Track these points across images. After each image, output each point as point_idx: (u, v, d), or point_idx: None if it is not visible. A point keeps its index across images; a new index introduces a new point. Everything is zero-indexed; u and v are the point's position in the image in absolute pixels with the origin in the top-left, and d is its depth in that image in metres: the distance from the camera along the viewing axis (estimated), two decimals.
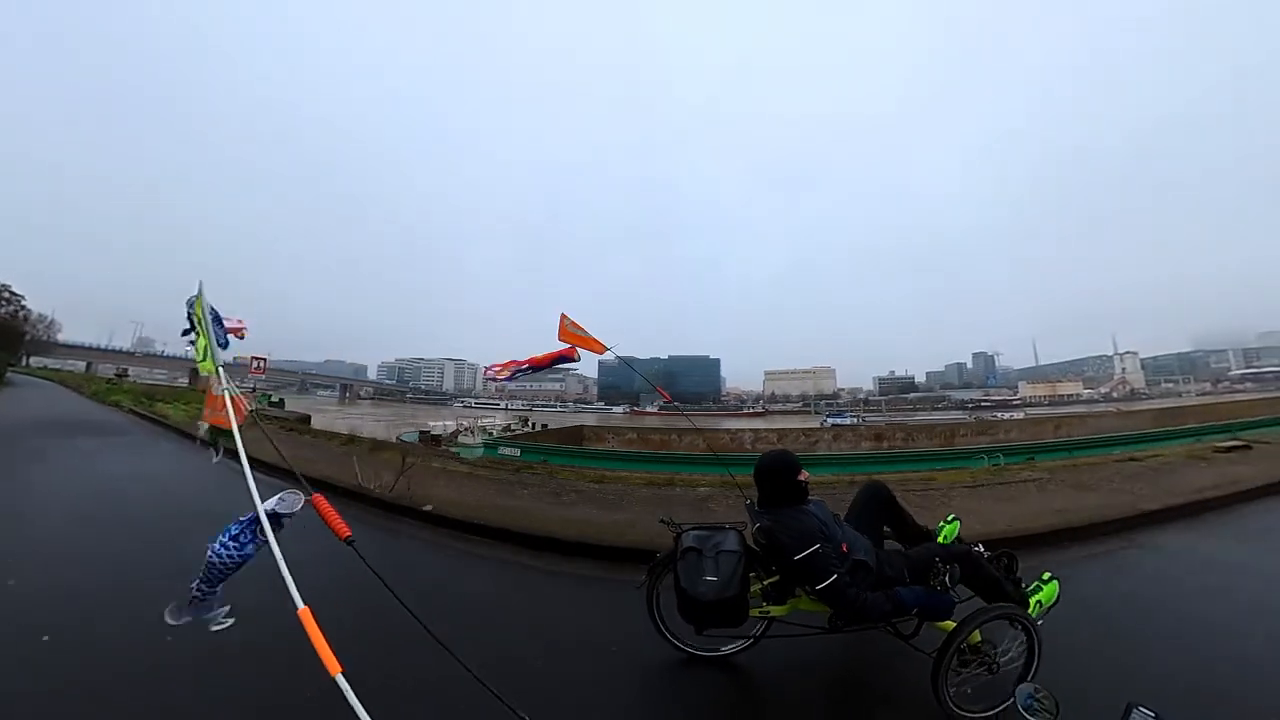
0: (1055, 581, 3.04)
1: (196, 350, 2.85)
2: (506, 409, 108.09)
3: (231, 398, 2.60)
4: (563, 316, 4.12)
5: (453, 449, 17.30)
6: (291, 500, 2.13)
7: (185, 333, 3.01)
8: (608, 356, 4.36)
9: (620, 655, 3.26)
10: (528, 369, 4.33)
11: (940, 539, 3.34)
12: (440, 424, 32.71)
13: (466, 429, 30.53)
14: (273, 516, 2.08)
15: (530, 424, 37.81)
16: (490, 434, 28.25)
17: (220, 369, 2.73)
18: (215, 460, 2.78)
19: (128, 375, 68.18)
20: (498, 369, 4.43)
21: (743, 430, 31.24)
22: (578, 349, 4.16)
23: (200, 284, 2.94)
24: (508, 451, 18.35)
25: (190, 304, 2.94)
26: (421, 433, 26.15)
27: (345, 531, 1.96)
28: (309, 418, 24.83)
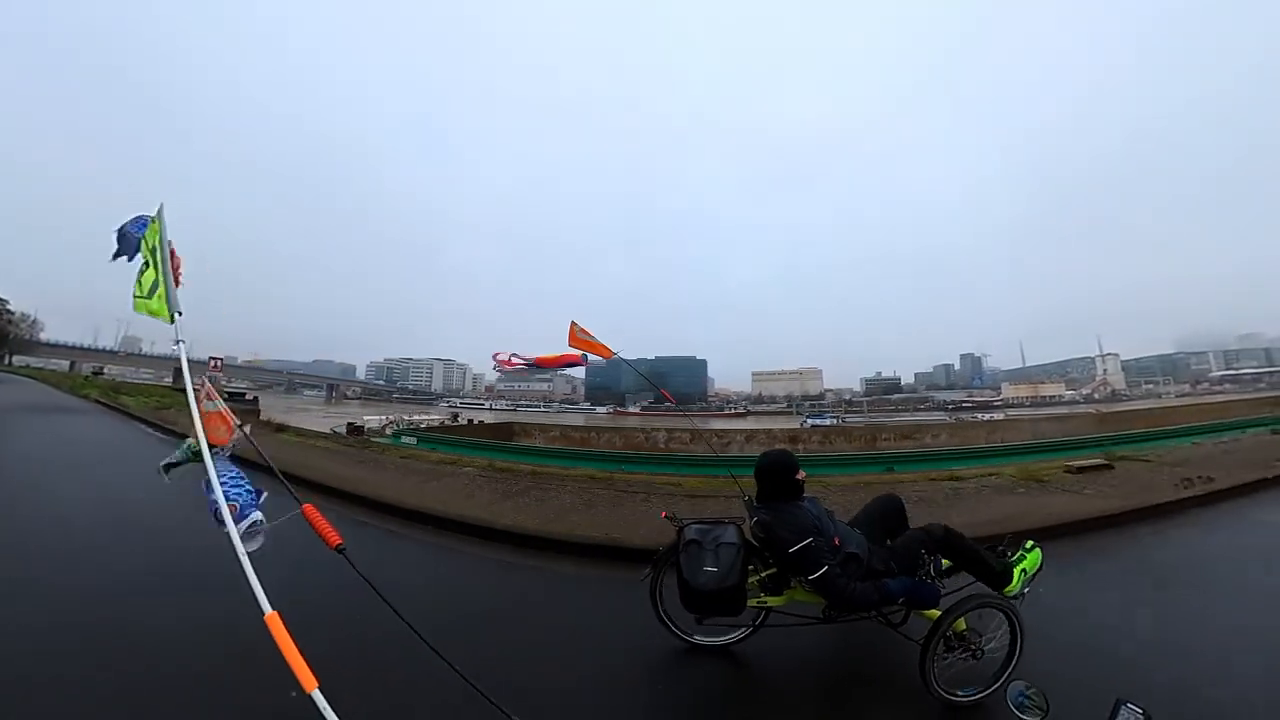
0: (1038, 550, 3.08)
1: (140, 284, 2.39)
2: (491, 408, 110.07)
3: (219, 413, 2.23)
4: (572, 324, 4.21)
5: (375, 439, 20.24)
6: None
7: (117, 255, 2.50)
8: (596, 358, 4.40)
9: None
10: (532, 366, 4.37)
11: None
12: (377, 418, 36.48)
13: (392, 422, 34.63)
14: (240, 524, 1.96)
15: (461, 420, 42.63)
16: (415, 427, 32.13)
17: (177, 315, 2.31)
18: (168, 478, 2.32)
19: (103, 373, 68.68)
20: (507, 359, 4.42)
21: (657, 429, 33.45)
22: (585, 354, 4.22)
23: (161, 207, 2.52)
24: (407, 440, 21.20)
25: (141, 226, 2.48)
26: (349, 425, 28.74)
27: (335, 540, 1.88)
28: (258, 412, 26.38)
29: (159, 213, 2.51)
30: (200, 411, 2.23)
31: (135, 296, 2.38)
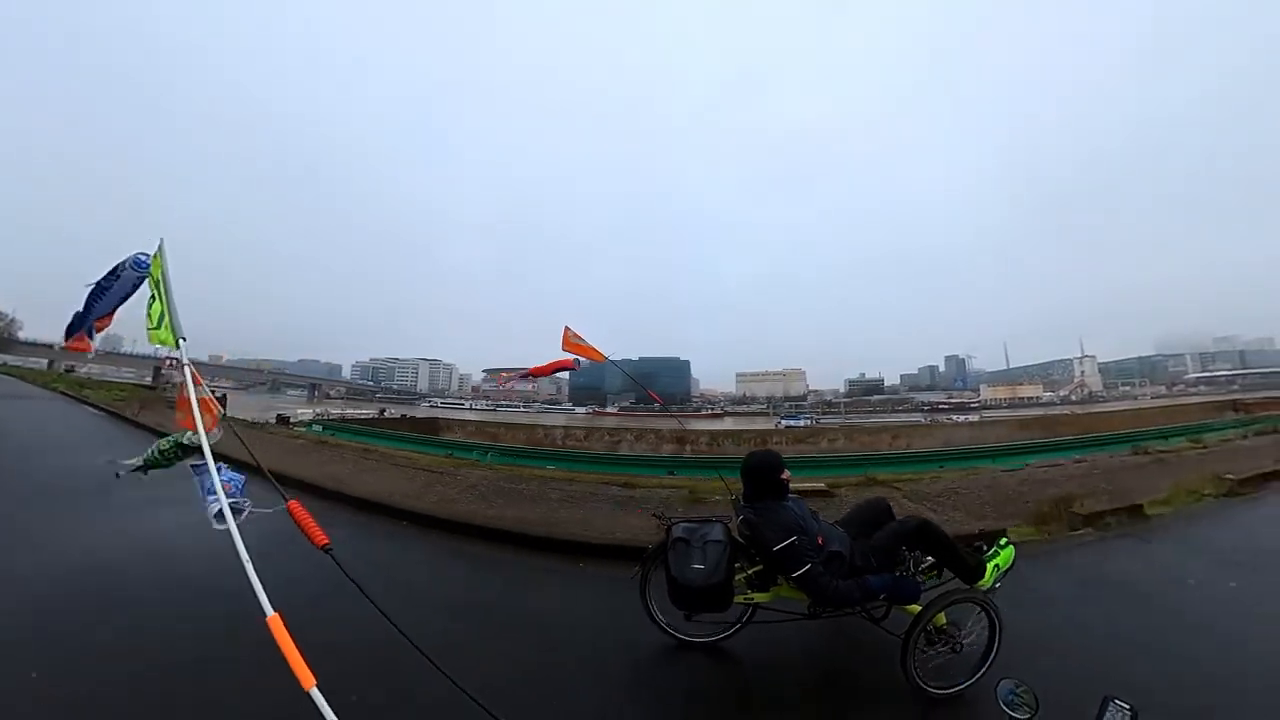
0: (1011, 547, 3.20)
1: (150, 316, 2.58)
2: (471, 408, 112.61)
3: (201, 400, 2.36)
4: (566, 329, 4.29)
5: (299, 427, 23.75)
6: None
7: (80, 322, 2.70)
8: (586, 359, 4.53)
9: None
10: (527, 377, 4.61)
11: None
12: (308, 411, 41.13)
13: (321, 414, 38.63)
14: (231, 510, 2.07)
15: (388, 414, 48.11)
16: (341, 418, 36.75)
17: (182, 341, 2.46)
18: (122, 473, 2.56)
19: (74, 370, 68.55)
20: (504, 376, 4.71)
21: (555, 428, 35.82)
22: (577, 359, 4.33)
23: (161, 241, 2.65)
24: (317, 428, 24.57)
25: (141, 263, 2.59)
26: (278, 416, 31.49)
27: (322, 539, 1.88)
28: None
29: (160, 248, 2.61)
30: (183, 398, 2.38)
31: (148, 329, 2.54)
